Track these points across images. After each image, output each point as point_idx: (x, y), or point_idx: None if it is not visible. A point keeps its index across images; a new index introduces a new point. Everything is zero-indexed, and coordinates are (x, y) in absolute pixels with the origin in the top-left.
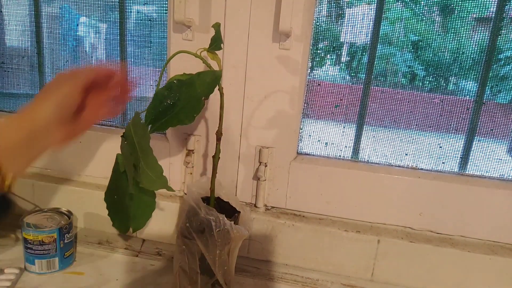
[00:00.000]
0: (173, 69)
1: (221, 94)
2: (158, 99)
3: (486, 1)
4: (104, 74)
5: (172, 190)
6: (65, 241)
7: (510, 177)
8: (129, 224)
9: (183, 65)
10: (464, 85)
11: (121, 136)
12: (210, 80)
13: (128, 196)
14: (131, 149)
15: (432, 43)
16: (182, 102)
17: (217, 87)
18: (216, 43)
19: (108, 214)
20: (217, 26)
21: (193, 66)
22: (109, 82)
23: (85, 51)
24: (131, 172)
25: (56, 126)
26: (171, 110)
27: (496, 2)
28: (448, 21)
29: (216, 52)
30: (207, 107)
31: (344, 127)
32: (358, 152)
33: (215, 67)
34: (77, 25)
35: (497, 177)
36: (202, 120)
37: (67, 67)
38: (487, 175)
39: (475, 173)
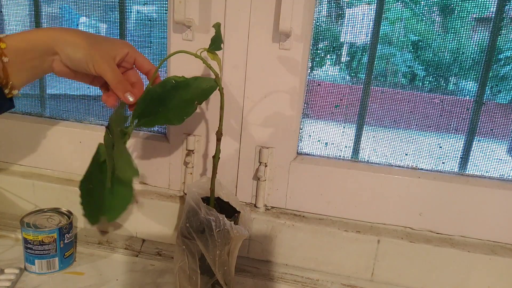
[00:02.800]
0: (173, 70)
1: (221, 95)
2: (149, 95)
3: (486, 1)
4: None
5: (137, 175)
6: (65, 241)
7: (510, 177)
8: (101, 214)
9: (184, 66)
10: (464, 85)
11: (106, 127)
12: (206, 86)
13: (105, 186)
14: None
15: (432, 43)
16: (174, 103)
17: (216, 89)
18: (216, 43)
19: (81, 203)
20: (217, 26)
21: (194, 67)
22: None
23: None
24: (111, 164)
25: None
26: (161, 108)
27: (496, 2)
28: (448, 21)
29: (216, 52)
30: (207, 107)
31: (344, 127)
32: (358, 152)
33: (215, 67)
34: (77, 25)
35: (497, 177)
36: (202, 120)
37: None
38: (487, 175)
39: (475, 173)
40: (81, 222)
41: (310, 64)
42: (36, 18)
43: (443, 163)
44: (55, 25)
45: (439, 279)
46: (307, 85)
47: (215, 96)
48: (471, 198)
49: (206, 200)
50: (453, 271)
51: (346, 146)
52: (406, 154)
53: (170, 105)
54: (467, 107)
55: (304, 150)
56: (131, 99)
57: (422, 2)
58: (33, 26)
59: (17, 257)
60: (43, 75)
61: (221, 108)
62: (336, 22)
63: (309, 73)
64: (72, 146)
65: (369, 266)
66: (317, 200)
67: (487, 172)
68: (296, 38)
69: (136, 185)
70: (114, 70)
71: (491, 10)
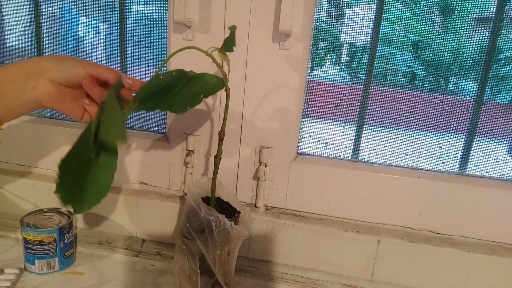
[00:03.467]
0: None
1: (227, 95)
2: (155, 81)
3: (486, 1)
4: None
5: (125, 142)
6: (65, 241)
7: (510, 177)
8: (80, 198)
9: (183, 66)
10: (464, 85)
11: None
12: (214, 83)
13: (89, 165)
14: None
15: (432, 43)
16: (180, 93)
17: (223, 88)
18: (228, 45)
19: (57, 183)
20: (233, 29)
21: (194, 67)
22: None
23: (85, 51)
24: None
25: (50, 79)
26: (165, 94)
27: (496, 2)
28: (448, 21)
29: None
30: (207, 108)
31: (344, 127)
32: (358, 152)
33: (224, 67)
34: (77, 25)
35: (497, 177)
36: (203, 120)
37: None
38: (487, 175)
39: (475, 173)
40: (81, 222)
41: (310, 64)
42: (36, 18)
43: (443, 163)
44: (55, 25)
45: (439, 279)
46: (307, 85)
47: (215, 96)
48: (471, 198)
49: (206, 200)
50: (453, 271)
51: (346, 146)
52: (406, 154)
53: (175, 95)
54: (467, 107)
55: (304, 150)
56: (129, 81)
57: (422, 2)
58: (33, 26)
59: (17, 257)
60: (27, 105)
61: (226, 108)
62: (336, 22)
63: (309, 73)
64: None
65: (369, 266)
66: (317, 200)
67: (487, 172)
68: (296, 38)
69: (136, 185)
70: (104, 65)
71: (491, 10)
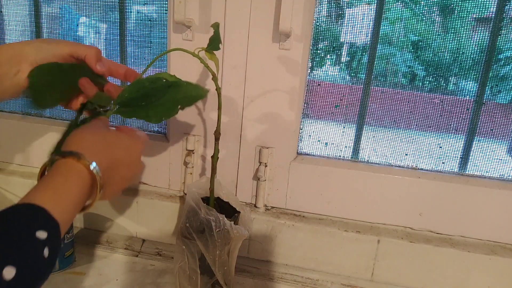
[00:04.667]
0: (173, 69)
1: (219, 95)
2: (136, 86)
3: (486, 1)
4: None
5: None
6: (65, 241)
7: (510, 177)
8: None
9: (183, 66)
10: (464, 85)
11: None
12: (194, 94)
13: None
14: None
15: (432, 43)
16: (158, 101)
17: (214, 87)
18: (214, 43)
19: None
20: (216, 26)
21: (194, 67)
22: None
23: None
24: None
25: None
26: (143, 102)
27: (496, 2)
28: (448, 21)
29: (215, 52)
30: (206, 108)
31: (344, 127)
32: (358, 152)
33: (212, 67)
34: (77, 25)
35: (497, 177)
36: (202, 120)
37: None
38: (487, 175)
39: (475, 173)
40: (81, 222)
41: (310, 64)
42: (36, 18)
43: (443, 163)
44: (55, 25)
45: (439, 279)
46: (307, 85)
47: (215, 96)
48: (471, 198)
49: (206, 200)
50: (453, 271)
51: (346, 146)
52: (406, 154)
53: (154, 102)
54: (467, 107)
55: (304, 150)
56: (99, 68)
57: (422, 2)
58: (33, 26)
59: None
60: (11, 90)
61: (219, 108)
62: (336, 22)
63: (309, 73)
64: None
65: (369, 266)
66: (317, 200)
67: (487, 172)
68: (296, 38)
69: (136, 185)
70: (84, 44)
71: (491, 10)
